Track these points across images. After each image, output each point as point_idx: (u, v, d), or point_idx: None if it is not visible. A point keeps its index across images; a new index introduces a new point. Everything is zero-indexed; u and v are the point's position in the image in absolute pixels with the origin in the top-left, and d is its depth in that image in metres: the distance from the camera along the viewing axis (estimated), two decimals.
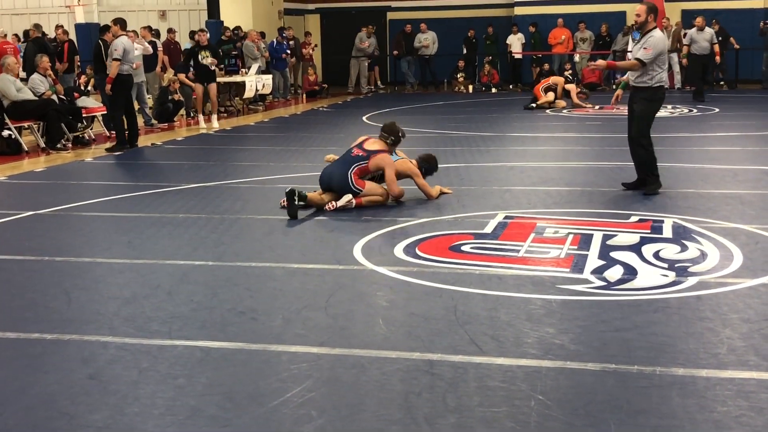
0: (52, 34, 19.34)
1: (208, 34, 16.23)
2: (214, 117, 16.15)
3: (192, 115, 17.49)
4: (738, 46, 21.31)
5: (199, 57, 15.51)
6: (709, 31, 18.82)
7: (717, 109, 17.02)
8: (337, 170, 8.22)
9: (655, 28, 8.52)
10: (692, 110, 17.02)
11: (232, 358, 4.42)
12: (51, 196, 9.33)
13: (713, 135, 13.26)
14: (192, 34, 21.05)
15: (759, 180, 9.41)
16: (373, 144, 8.40)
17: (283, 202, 8.03)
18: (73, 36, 19.82)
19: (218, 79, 18.81)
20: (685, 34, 19.63)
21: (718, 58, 19.29)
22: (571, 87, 18.61)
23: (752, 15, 22.28)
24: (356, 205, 8.06)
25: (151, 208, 8.48)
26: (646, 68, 8.42)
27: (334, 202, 8.04)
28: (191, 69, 16.09)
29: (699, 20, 18.94)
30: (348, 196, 8.06)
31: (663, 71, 8.55)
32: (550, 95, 18.47)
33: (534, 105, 18.32)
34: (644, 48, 8.41)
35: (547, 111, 17.78)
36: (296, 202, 7.80)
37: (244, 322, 5.01)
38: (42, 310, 5.34)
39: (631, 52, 22.11)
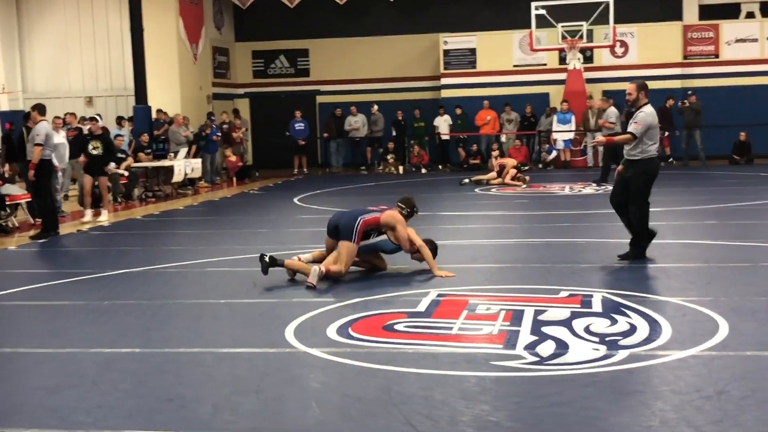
0: None
1: (101, 123, 15.65)
2: (105, 211, 14.89)
3: (119, 200, 17.28)
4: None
5: (89, 147, 14.70)
6: (612, 111, 18.23)
7: None
8: (348, 214, 8.51)
9: (646, 104, 8.94)
10: None
11: None
12: None
13: None
14: (119, 119, 20.99)
15: (682, 253, 9.60)
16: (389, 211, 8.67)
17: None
18: None
19: (147, 164, 18.77)
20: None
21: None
22: (513, 171, 18.90)
23: (671, 95, 23.03)
24: (325, 274, 8.20)
25: (75, 296, 8.28)
26: (637, 142, 8.81)
27: (314, 279, 8.07)
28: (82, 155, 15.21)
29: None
30: (315, 269, 8.12)
31: (654, 144, 8.95)
32: (494, 174, 19.08)
33: (468, 180, 19.08)
34: (635, 122, 8.87)
35: (477, 190, 18.01)
36: (267, 262, 8.25)
37: (172, 409, 4.87)
38: None
39: (555, 132, 22.80)
